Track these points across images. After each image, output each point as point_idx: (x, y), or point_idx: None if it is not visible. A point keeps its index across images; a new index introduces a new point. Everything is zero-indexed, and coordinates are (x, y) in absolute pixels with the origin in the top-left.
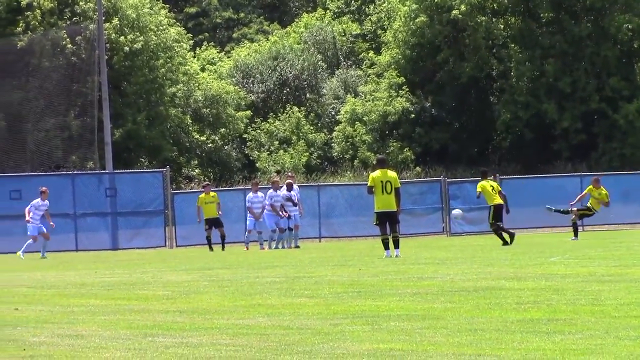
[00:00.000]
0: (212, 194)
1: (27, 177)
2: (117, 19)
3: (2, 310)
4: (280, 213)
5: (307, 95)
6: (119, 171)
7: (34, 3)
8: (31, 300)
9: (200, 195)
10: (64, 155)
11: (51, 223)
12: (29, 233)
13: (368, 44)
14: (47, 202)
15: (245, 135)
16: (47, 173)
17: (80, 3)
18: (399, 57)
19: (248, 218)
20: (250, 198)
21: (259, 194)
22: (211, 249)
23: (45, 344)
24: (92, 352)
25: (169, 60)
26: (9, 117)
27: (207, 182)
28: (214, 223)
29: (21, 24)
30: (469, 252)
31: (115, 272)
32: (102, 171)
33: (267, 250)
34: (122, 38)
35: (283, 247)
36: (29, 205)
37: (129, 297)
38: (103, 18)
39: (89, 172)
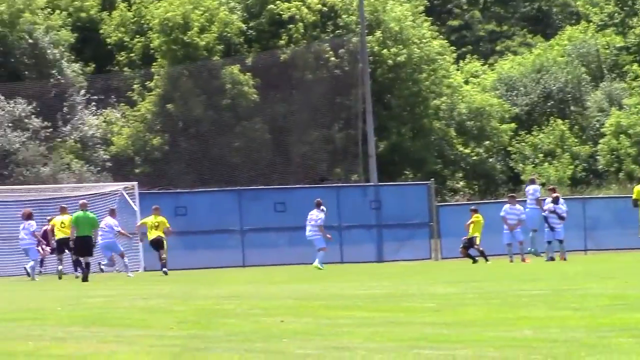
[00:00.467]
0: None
1: (292, 189)
2: (380, 31)
3: (268, 323)
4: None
5: (571, 107)
6: (383, 183)
7: (297, 16)
8: (297, 312)
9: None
10: (329, 167)
11: (328, 235)
12: (319, 245)
13: (632, 57)
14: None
15: (509, 148)
16: (312, 185)
17: (343, 16)
18: None
19: (504, 230)
20: (506, 209)
21: (518, 206)
22: (486, 259)
23: (310, 356)
24: None
25: (432, 73)
26: (274, 130)
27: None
28: (469, 241)
29: (284, 37)
30: None
31: (381, 284)
32: (367, 183)
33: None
34: (385, 51)
35: (551, 259)
36: (318, 220)
37: (394, 309)
38: (366, 31)
39: (353, 184)
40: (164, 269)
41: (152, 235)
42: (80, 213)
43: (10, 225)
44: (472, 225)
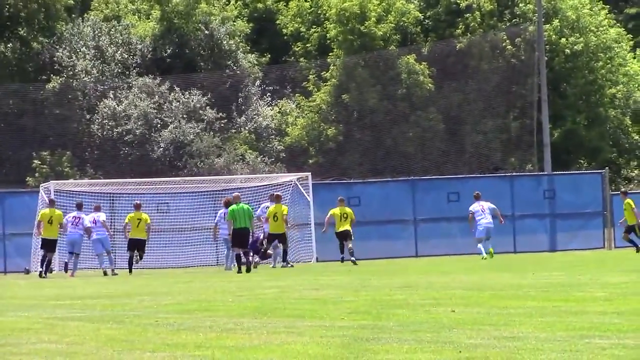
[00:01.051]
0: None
1: (465, 179)
2: (557, 20)
3: (439, 313)
4: None
5: None
6: (557, 172)
7: (474, 5)
8: (468, 303)
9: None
10: (503, 157)
11: (502, 220)
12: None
13: None
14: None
15: None
16: (485, 175)
17: (520, 5)
18: None
19: None
20: None
21: None
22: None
23: (481, 346)
24: (528, 354)
25: (608, 61)
26: (448, 119)
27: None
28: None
29: (461, 26)
30: None
31: (552, 274)
32: (541, 173)
33: None
34: (562, 40)
35: None
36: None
37: (565, 298)
38: (543, 19)
39: (527, 173)
40: (353, 259)
41: (342, 227)
42: (234, 206)
43: (183, 217)
44: (625, 212)
